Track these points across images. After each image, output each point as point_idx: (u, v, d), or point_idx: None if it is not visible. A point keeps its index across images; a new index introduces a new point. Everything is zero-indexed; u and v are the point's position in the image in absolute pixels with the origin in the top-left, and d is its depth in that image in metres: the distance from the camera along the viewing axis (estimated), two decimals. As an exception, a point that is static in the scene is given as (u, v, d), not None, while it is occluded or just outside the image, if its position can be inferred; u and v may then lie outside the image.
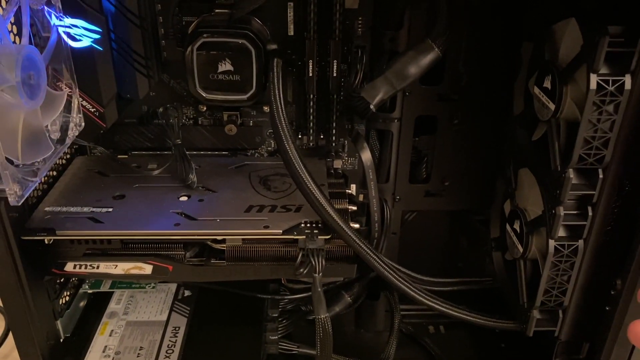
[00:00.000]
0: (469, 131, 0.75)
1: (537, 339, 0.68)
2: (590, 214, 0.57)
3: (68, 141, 0.61)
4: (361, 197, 0.78)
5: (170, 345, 0.70)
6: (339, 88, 0.69)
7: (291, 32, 0.68)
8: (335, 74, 0.68)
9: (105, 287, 0.75)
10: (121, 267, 0.60)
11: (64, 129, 0.61)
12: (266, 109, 0.72)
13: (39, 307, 0.61)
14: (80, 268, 0.61)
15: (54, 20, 0.57)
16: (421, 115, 0.74)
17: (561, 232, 0.59)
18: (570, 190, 0.56)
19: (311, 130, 0.73)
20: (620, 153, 0.54)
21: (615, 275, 0.59)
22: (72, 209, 0.62)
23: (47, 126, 0.57)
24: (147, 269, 0.60)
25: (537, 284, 0.63)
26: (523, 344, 0.74)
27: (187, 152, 0.70)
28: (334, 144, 0.74)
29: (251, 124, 0.74)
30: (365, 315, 0.87)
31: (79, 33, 0.60)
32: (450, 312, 0.66)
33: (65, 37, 0.58)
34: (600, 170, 0.55)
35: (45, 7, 0.56)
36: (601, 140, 0.53)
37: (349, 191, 0.72)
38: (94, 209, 0.62)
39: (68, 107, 0.61)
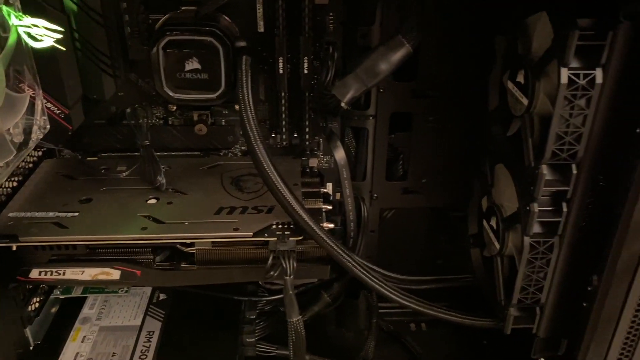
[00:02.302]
0: (445, 127, 0.74)
1: (518, 336, 0.68)
2: (565, 210, 0.56)
3: (32, 144, 0.59)
4: (338, 196, 0.77)
5: (143, 351, 0.68)
6: (310, 85, 0.68)
7: (261, 29, 0.66)
8: (306, 71, 0.66)
9: (77, 292, 0.74)
10: (88, 273, 0.59)
11: (28, 132, 0.59)
12: (238, 107, 0.71)
13: (5, 316, 0.60)
14: (45, 275, 0.59)
15: (13, 20, 0.55)
16: (396, 112, 0.73)
17: (536, 229, 0.58)
18: (544, 187, 0.55)
19: (284, 129, 0.71)
20: (593, 148, 0.53)
21: (591, 272, 0.58)
22: (36, 214, 0.60)
23: (8, 129, 0.56)
24: (115, 274, 0.59)
25: (515, 281, 0.62)
26: (504, 341, 0.74)
27: (157, 153, 0.68)
28: (308, 142, 0.73)
29: (223, 123, 0.73)
30: (346, 314, 0.86)
31: (40, 33, 0.58)
32: (426, 310, 0.65)
33: (25, 37, 0.56)
34: (573, 166, 0.54)
35: (4, 7, 0.54)
36: (574, 136, 0.53)
37: (324, 190, 0.71)
38: (60, 214, 0.60)
39: (31, 110, 0.59)
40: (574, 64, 0.50)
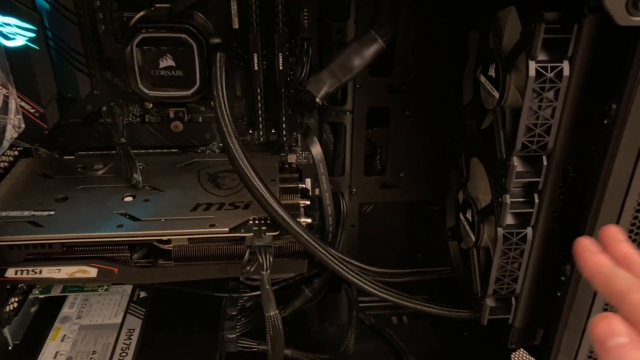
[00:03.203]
0: (422, 122, 0.74)
1: (497, 326, 0.69)
2: (536, 201, 0.57)
3: (6, 144, 0.59)
4: (317, 191, 0.77)
5: (124, 348, 0.68)
6: (286, 81, 0.68)
7: (236, 25, 0.66)
8: (281, 67, 0.67)
9: (56, 292, 0.74)
10: (64, 271, 0.59)
11: (2, 132, 0.59)
12: (213, 105, 0.71)
13: (-18, 316, 0.60)
14: (22, 274, 0.59)
15: (-16, 19, 0.55)
16: (373, 107, 0.73)
17: (509, 220, 0.59)
18: (516, 178, 0.56)
19: (261, 125, 0.72)
20: (562, 139, 0.54)
21: (564, 261, 0.59)
22: (12, 214, 0.60)
23: (-19, 129, 0.56)
24: (92, 272, 0.59)
25: (490, 272, 0.63)
26: (484, 332, 0.75)
27: (134, 151, 0.68)
28: (285, 138, 0.73)
29: (200, 120, 0.73)
30: (328, 308, 0.86)
31: (12, 32, 0.58)
32: (403, 302, 0.66)
33: (-3, 36, 0.56)
34: (544, 157, 0.55)
35: (-26, 6, 0.54)
36: (543, 127, 0.53)
37: (303, 185, 0.71)
38: (35, 213, 0.60)
39: (5, 109, 0.59)
40: (542, 57, 0.50)
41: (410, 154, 0.77)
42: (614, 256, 0.33)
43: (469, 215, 0.68)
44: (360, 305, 0.81)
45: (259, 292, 0.77)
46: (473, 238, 0.66)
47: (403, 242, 0.87)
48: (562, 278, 0.60)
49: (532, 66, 0.51)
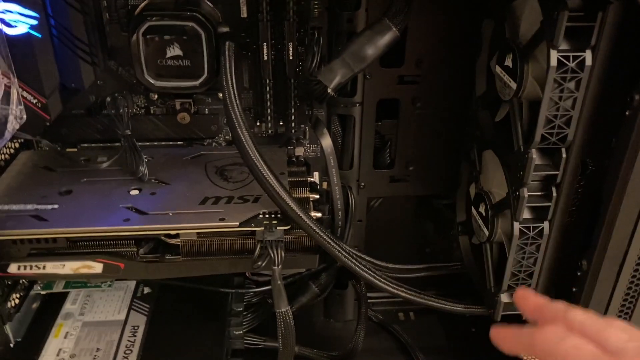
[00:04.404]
0: (432, 114, 0.73)
1: (506, 322, 0.67)
2: (554, 194, 0.56)
3: (8, 135, 0.57)
4: (325, 185, 0.76)
5: (128, 346, 0.67)
6: (295, 72, 0.67)
7: (244, 14, 0.65)
8: (291, 57, 0.65)
9: (58, 288, 0.72)
10: (69, 267, 0.57)
11: (3, 122, 0.57)
12: (221, 95, 0.69)
13: (-16, 313, 0.58)
14: (25, 269, 0.57)
15: (-15, 6, 0.53)
16: (383, 99, 0.72)
17: (526, 214, 0.58)
18: (534, 171, 0.55)
19: (269, 117, 0.70)
20: (582, 131, 0.53)
21: (580, 256, 0.58)
22: (14, 207, 0.58)
23: (-18, 120, 0.54)
24: (97, 267, 0.57)
25: (504, 268, 0.62)
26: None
27: (139, 143, 0.66)
28: (294, 131, 0.72)
29: (206, 112, 0.71)
30: (334, 305, 0.85)
31: (14, 19, 0.56)
32: (416, 298, 0.65)
33: (-2, 23, 0.54)
34: (563, 150, 0.54)
35: (-26, -8, 0.52)
36: (563, 119, 0.52)
37: (311, 179, 0.70)
38: (38, 206, 0.58)
39: (7, 99, 0.57)
40: (564, 46, 0.49)
41: (420, 146, 0.75)
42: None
43: (481, 210, 0.66)
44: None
45: (266, 288, 0.76)
46: (486, 233, 0.65)
47: (411, 237, 0.86)
48: (578, 273, 0.58)
49: (554, 56, 0.49)
